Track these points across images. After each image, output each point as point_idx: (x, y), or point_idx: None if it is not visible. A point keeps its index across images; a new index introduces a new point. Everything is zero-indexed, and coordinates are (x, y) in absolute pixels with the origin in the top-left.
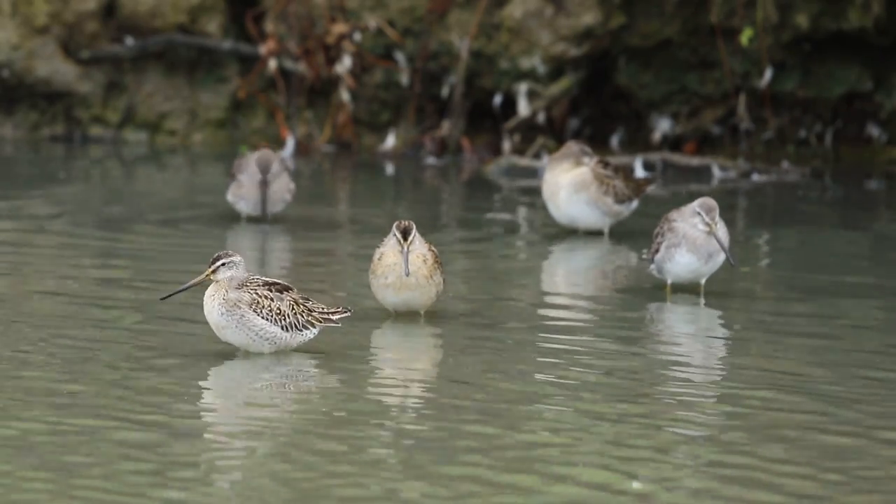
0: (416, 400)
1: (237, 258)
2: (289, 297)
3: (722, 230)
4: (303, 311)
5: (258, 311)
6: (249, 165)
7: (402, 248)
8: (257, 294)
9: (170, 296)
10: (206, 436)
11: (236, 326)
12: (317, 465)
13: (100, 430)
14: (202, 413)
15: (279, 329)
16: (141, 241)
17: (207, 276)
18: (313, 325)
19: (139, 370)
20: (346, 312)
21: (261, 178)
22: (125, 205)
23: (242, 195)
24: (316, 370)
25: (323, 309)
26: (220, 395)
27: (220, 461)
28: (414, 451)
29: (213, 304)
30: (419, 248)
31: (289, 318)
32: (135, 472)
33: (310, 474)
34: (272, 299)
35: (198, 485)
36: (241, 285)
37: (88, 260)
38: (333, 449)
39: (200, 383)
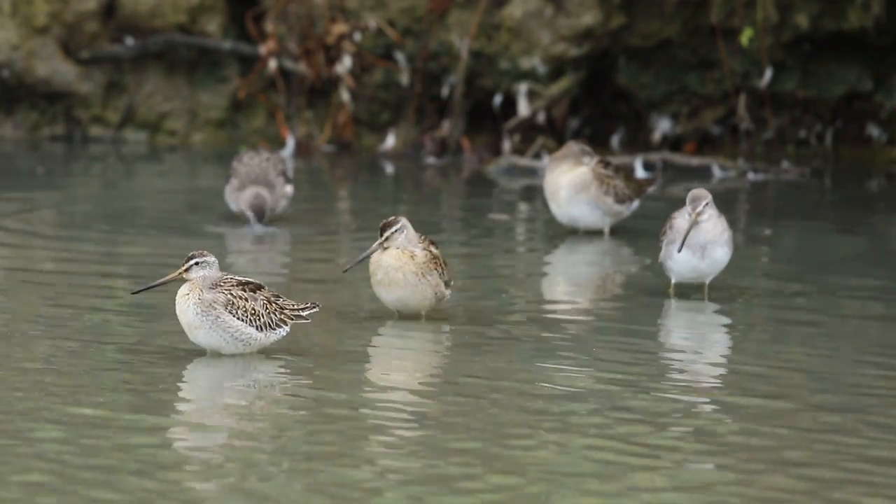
0: (415, 401)
1: (211, 258)
2: (262, 297)
3: (714, 222)
4: (276, 310)
5: (233, 311)
6: (245, 187)
7: (377, 245)
8: (232, 294)
9: (140, 290)
10: (197, 437)
11: (210, 327)
12: (309, 467)
13: (89, 431)
14: (194, 414)
15: (254, 330)
16: (139, 241)
17: (180, 273)
18: (285, 323)
19: (132, 369)
20: (314, 308)
21: (255, 219)
22: (124, 205)
23: (235, 201)
24: (314, 370)
25: (293, 306)
26: (209, 397)
27: (210, 463)
28: (412, 453)
29: (187, 304)
30: (406, 244)
31: (263, 317)
32: (124, 472)
33: (302, 477)
34: (247, 299)
35: (187, 488)
36: (215, 285)
37: (85, 259)
38: (328, 452)
39: (194, 384)
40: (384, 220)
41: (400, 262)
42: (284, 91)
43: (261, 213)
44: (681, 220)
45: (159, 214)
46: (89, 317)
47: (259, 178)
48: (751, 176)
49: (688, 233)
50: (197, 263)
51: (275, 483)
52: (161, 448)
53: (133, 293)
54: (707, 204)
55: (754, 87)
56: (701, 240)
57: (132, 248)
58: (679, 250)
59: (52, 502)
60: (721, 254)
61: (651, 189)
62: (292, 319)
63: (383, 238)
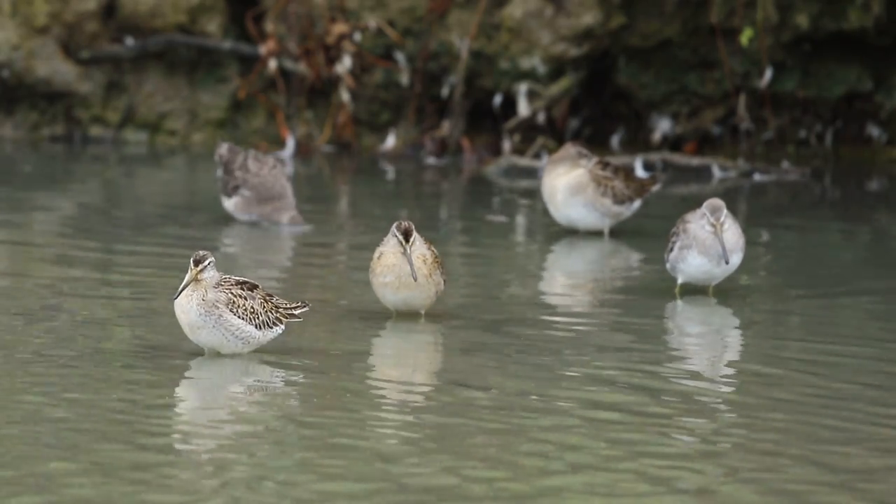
0: (415, 403)
1: (212, 258)
2: (258, 295)
3: (733, 230)
4: (272, 309)
5: (234, 310)
6: (264, 196)
7: (406, 250)
8: (232, 294)
9: (176, 296)
10: (194, 438)
11: (213, 327)
12: (307, 470)
13: (86, 431)
14: (191, 414)
15: (253, 328)
16: (138, 242)
17: (196, 275)
18: (281, 322)
19: (130, 369)
20: (305, 307)
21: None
22: (124, 205)
23: (249, 210)
24: (314, 370)
25: (286, 305)
26: (206, 397)
27: (209, 465)
28: (411, 453)
29: (189, 305)
30: (419, 248)
31: (261, 316)
32: (129, 480)
33: (300, 478)
34: (246, 298)
35: (184, 489)
36: (217, 285)
37: (84, 258)
38: (326, 452)
39: (191, 384)
40: (404, 226)
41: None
42: (284, 91)
43: (301, 224)
44: (695, 226)
45: (159, 214)
46: (87, 317)
47: (275, 191)
48: (757, 176)
49: (723, 245)
50: (209, 264)
51: (272, 483)
52: (159, 448)
53: (172, 300)
54: (726, 214)
55: (754, 87)
56: (721, 249)
57: (131, 248)
58: (727, 262)
59: (45, 501)
60: (736, 259)
61: (654, 189)
62: (287, 318)
63: (411, 244)
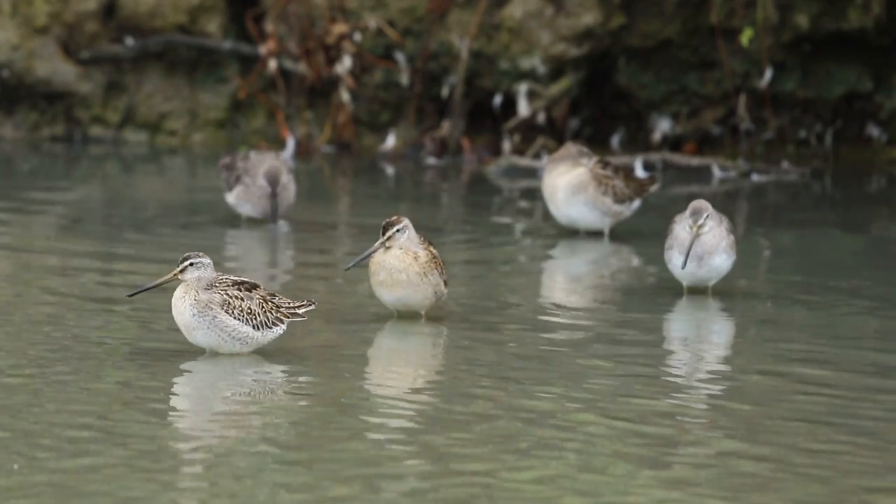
0: (414, 405)
1: (206, 259)
2: (257, 296)
3: (714, 232)
4: (272, 309)
5: (230, 311)
6: (258, 175)
7: (378, 242)
8: (228, 294)
9: (136, 293)
10: (193, 438)
11: (208, 327)
12: (306, 472)
13: (83, 432)
14: (191, 414)
15: (251, 329)
16: (139, 243)
17: (175, 275)
18: (282, 322)
19: (130, 370)
20: (310, 305)
21: (270, 191)
22: (124, 205)
23: (249, 199)
24: (313, 371)
25: (289, 304)
26: (206, 398)
27: (205, 464)
28: (410, 454)
29: (183, 305)
30: (409, 245)
31: (259, 316)
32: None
33: (299, 479)
34: (242, 299)
35: (182, 490)
36: (211, 286)
37: (84, 259)
38: (325, 453)
39: (191, 384)
40: (387, 220)
41: (404, 264)
42: (284, 91)
43: (275, 181)
44: (679, 228)
45: (159, 215)
46: (87, 317)
47: (276, 180)
48: (757, 176)
49: (690, 247)
50: (192, 264)
51: (271, 484)
52: (157, 449)
53: (128, 296)
54: (707, 216)
55: (754, 87)
56: (699, 251)
57: (131, 249)
58: (683, 266)
59: (44, 501)
60: (719, 261)
61: (653, 189)
62: (289, 318)
63: (385, 237)
